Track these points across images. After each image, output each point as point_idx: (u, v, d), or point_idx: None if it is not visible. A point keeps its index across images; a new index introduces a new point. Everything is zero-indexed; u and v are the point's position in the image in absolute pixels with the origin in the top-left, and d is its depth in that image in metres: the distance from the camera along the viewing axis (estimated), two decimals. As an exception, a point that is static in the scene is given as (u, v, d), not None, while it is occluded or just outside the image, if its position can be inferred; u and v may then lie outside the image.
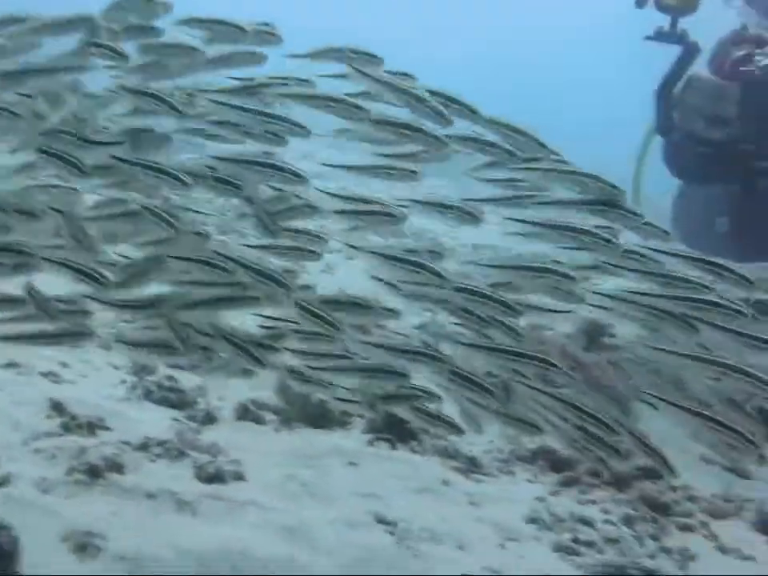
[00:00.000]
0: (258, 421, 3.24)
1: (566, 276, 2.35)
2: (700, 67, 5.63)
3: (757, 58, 4.93)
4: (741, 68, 5.08)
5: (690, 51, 5.55)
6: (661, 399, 2.45)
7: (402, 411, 2.56)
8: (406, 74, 2.48)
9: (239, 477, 2.78)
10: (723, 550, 2.85)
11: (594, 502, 2.94)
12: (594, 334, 4.19)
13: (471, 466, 3.10)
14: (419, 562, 2.44)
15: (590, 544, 2.66)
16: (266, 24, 2.45)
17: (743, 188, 5.61)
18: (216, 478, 2.74)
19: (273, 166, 2.29)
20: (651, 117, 5.83)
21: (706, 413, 2.42)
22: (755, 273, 2.48)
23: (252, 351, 2.33)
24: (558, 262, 2.37)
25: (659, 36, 5.61)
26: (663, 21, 5.66)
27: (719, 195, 5.95)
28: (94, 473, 2.61)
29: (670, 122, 5.59)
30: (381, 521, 2.63)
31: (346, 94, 2.38)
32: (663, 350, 2.44)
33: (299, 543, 2.46)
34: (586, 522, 2.78)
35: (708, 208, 5.93)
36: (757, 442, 2.38)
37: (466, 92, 2.48)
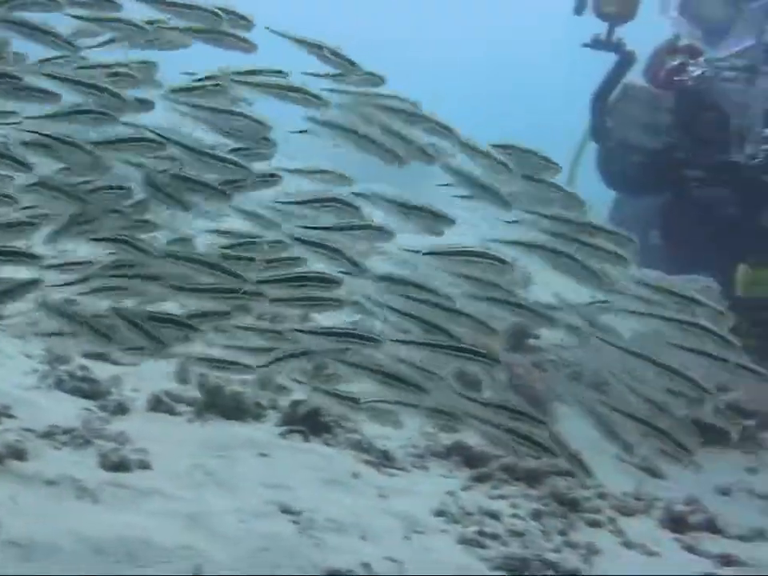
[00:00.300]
0: (171, 412, 3.20)
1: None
2: (635, 76, 5.72)
3: (690, 68, 5.02)
4: (675, 77, 5.17)
5: (626, 60, 5.64)
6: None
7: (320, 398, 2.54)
8: (373, 74, 2.49)
9: (145, 466, 2.74)
10: (629, 545, 2.88)
11: (504, 497, 2.95)
12: (519, 336, 4.21)
13: (384, 460, 3.09)
14: (320, 551, 2.42)
15: (494, 537, 2.67)
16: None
17: (676, 197, 5.70)
18: (120, 466, 2.70)
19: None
20: (586, 124, 5.91)
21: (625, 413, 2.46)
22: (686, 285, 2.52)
23: (151, 332, 2.31)
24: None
25: (596, 44, 5.69)
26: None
27: (653, 206, 6.04)
28: (-8, 459, 2.56)
29: (604, 130, 5.67)
30: (285, 511, 2.61)
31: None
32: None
33: (199, 531, 2.43)
34: (493, 516, 2.78)
35: (642, 219, 6.02)
36: (683, 444, 2.42)
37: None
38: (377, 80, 2.48)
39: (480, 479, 3.06)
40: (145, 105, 2.35)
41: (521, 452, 3.03)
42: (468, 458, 3.18)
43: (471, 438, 3.26)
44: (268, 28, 2.50)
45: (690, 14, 5.32)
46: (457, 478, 3.09)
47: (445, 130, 2.41)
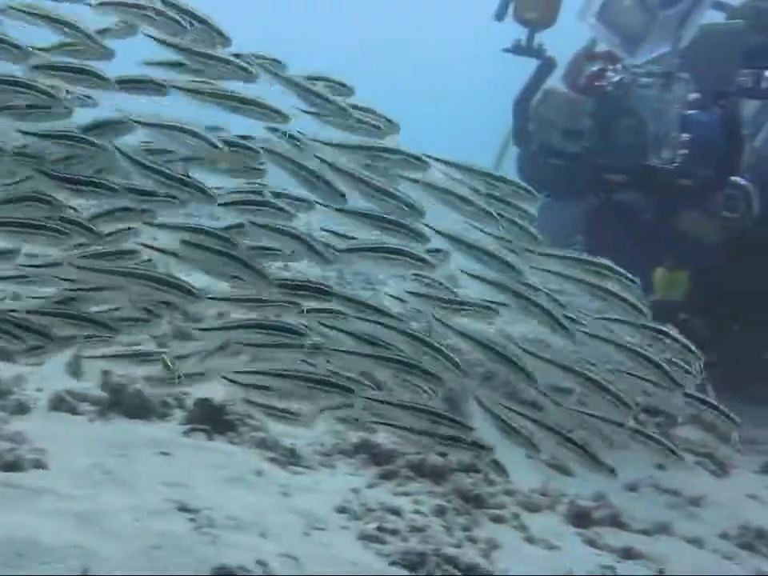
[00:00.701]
0: (74, 411, 3.14)
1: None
2: (556, 81, 5.79)
3: (609, 74, 5.09)
4: (594, 83, 5.24)
5: (546, 65, 5.71)
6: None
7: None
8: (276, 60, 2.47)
9: (40, 465, 2.68)
10: (531, 540, 2.90)
11: (408, 494, 2.95)
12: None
13: (290, 458, 3.07)
14: (214, 548, 2.39)
15: (394, 532, 2.66)
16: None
17: (598, 202, 5.78)
18: (15, 466, 2.64)
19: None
20: (507, 127, 5.98)
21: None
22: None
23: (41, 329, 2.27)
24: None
25: (516, 49, 5.76)
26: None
27: (578, 210, 6.12)
28: None
29: (526, 134, 5.73)
30: (183, 509, 2.57)
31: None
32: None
33: (91, 530, 2.38)
34: (395, 512, 2.78)
35: (567, 223, 6.09)
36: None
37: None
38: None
39: (386, 477, 3.06)
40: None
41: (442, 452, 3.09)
42: (375, 455, 3.18)
43: (379, 437, 3.27)
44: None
45: (607, 21, 5.40)
46: (363, 476, 3.08)
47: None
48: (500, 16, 5.65)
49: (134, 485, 2.68)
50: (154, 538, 2.38)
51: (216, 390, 3.33)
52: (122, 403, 3.13)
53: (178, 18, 2.35)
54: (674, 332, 2.48)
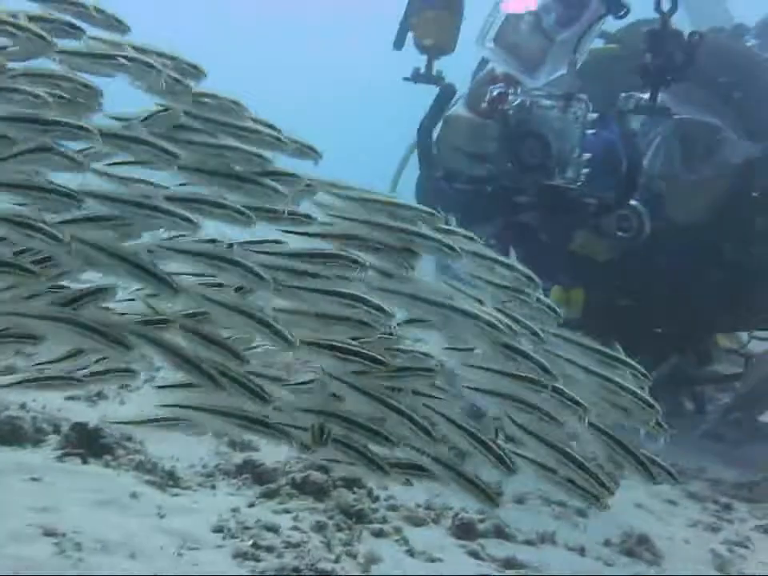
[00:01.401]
0: (-59, 439, 3.03)
1: None
2: (458, 106, 5.87)
3: (510, 97, 5.18)
4: (496, 106, 5.33)
5: (446, 92, 5.79)
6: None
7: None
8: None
9: None
10: (412, 553, 2.89)
11: (288, 512, 2.92)
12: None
13: (168, 480, 3.00)
14: (75, 571, 2.32)
15: (270, 549, 2.63)
16: None
17: (506, 223, 5.86)
18: None
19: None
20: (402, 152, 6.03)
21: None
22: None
23: None
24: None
25: (416, 77, 5.82)
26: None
27: (488, 233, 6.19)
28: None
29: (430, 160, 5.78)
30: (49, 533, 2.49)
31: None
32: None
33: (-55, 558, 2.30)
34: (272, 529, 2.74)
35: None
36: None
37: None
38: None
39: (267, 495, 3.02)
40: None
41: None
42: (258, 475, 3.13)
43: (263, 456, 3.23)
44: None
45: (505, 45, 5.49)
46: (244, 495, 3.03)
47: None
48: (398, 45, 5.72)
49: (-1, 511, 2.59)
50: (13, 562, 2.30)
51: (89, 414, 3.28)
52: (-7, 430, 3.03)
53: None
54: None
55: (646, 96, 4.76)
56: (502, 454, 2.34)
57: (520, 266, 2.49)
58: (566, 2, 5.16)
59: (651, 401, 2.46)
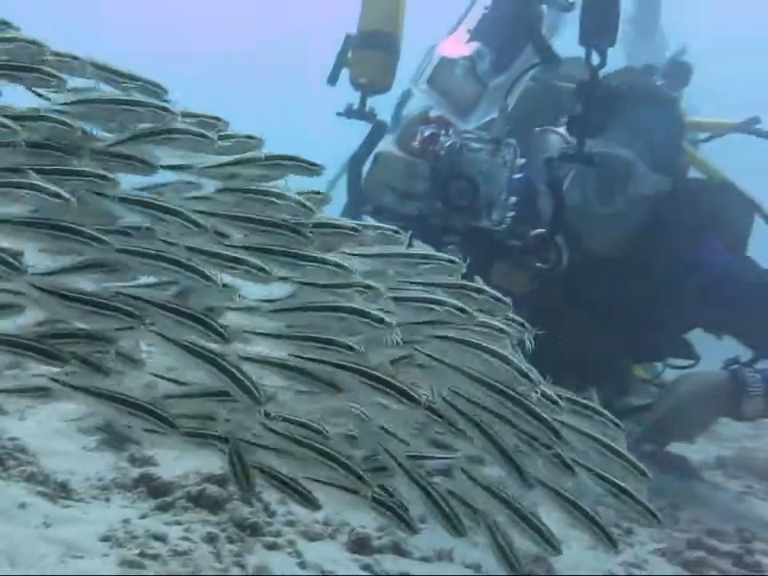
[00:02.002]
0: None
1: None
2: (388, 143, 5.96)
3: (442, 138, 5.28)
4: (429, 147, 5.43)
5: (378, 128, 5.88)
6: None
7: None
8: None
9: None
10: (303, 565, 2.90)
11: (180, 523, 2.91)
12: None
13: (61, 492, 2.98)
14: (-50, 575, 2.29)
15: (155, 557, 2.62)
16: None
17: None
18: None
19: None
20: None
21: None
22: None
23: None
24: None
25: (349, 113, 5.91)
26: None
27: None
28: None
29: (359, 198, 5.86)
30: (-72, 540, 2.46)
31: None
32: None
33: None
34: (160, 539, 2.74)
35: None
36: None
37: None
38: None
39: (161, 508, 3.01)
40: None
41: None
42: (154, 488, 3.12)
43: (161, 470, 3.22)
44: None
45: (439, 88, 5.62)
46: (137, 508, 3.01)
47: None
48: (332, 80, 5.81)
49: None
50: None
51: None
52: None
53: None
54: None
55: (562, 131, 4.91)
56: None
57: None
58: (499, 49, 5.31)
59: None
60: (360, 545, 3.14)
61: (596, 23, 4.69)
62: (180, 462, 3.35)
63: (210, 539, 2.83)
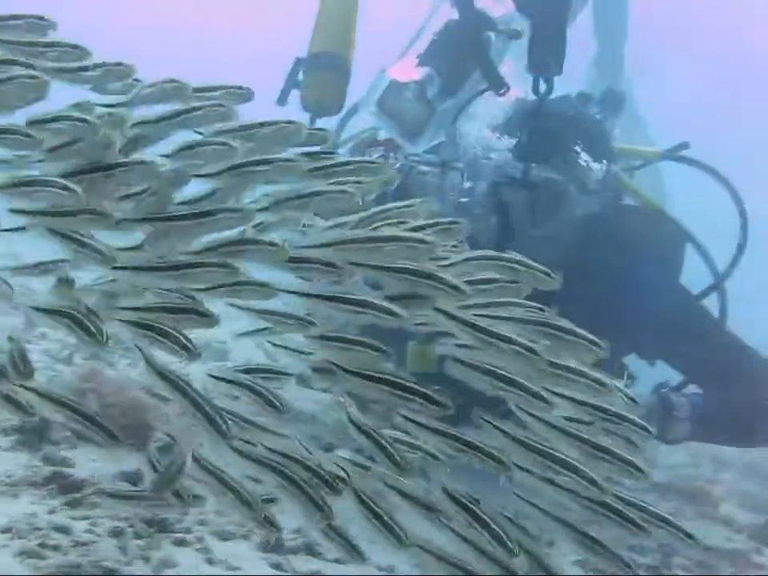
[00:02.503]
0: None
1: None
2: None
3: (390, 161, 5.33)
4: None
5: (326, 151, 5.90)
6: None
7: None
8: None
9: None
10: (211, 561, 2.89)
11: (87, 518, 2.89)
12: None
13: (-36, 488, 2.95)
14: None
15: (56, 548, 2.60)
16: None
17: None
18: None
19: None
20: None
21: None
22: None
23: None
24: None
25: (297, 135, 5.93)
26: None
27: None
28: None
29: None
30: None
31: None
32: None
33: None
34: (63, 531, 2.72)
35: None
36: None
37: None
38: None
39: (70, 504, 2.99)
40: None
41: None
42: (65, 486, 3.10)
43: (74, 470, 3.20)
44: None
45: (388, 111, 5.67)
46: (46, 504, 2.99)
47: None
48: (282, 101, 5.85)
49: None
50: None
51: None
52: None
53: None
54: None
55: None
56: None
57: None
58: (448, 74, 5.38)
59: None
60: (272, 545, 3.13)
61: (544, 52, 4.80)
62: (96, 464, 3.34)
63: (116, 534, 2.82)
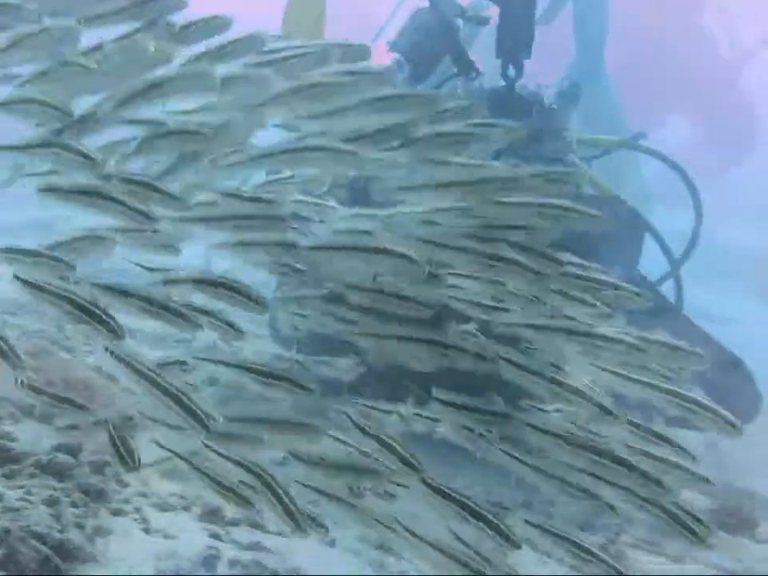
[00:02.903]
0: None
1: None
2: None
3: None
4: None
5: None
6: None
7: None
8: None
9: None
10: (148, 531, 2.90)
11: (22, 487, 2.88)
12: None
13: None
14: None
15: (-15, 514, 2.59)
16: None
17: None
18: None
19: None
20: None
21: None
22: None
23: None
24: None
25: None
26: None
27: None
28: None
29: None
30: None
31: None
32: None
33: None
34: (-4, 498, 2.71)
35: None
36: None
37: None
38: None
39: (7, 476, 2.97)
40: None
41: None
42: (4, 459, 3.08)
43: (17, 445, 3.20)
44: None
45: None
46: (-19, 475, 2.98)
47: None
48: None
49: None
50: None
51: None
52: None
53: None
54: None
55: None
56: None
57: None
58: (416, 60, 5.38)
59: None
60: (211, 516, 3.13)
61: (512, 37, 4.83)
62: (40, 441, 3.33)
63: (52, 502, 2.81)
